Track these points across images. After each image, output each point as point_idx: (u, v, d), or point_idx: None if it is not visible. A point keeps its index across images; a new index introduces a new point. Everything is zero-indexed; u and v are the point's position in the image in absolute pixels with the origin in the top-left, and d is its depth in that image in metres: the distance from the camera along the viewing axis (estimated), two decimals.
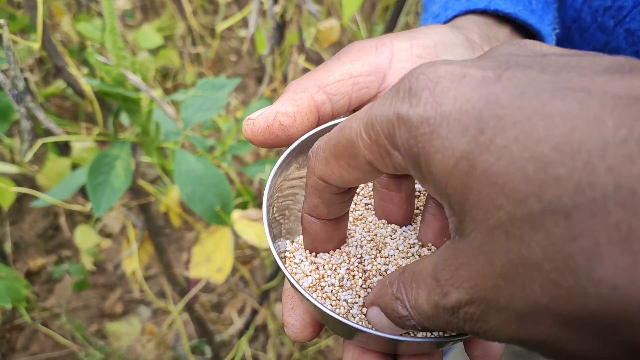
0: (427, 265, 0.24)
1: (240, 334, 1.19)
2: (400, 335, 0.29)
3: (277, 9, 0.81)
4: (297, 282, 0.30)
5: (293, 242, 0.35)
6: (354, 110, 0.35)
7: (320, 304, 0.27)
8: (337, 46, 1.70)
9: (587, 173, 0.16)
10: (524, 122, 0.18)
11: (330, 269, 0.32)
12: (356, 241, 0.34)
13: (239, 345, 1.11)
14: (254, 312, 1.17)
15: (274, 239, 0.32)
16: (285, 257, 0.34)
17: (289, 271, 0.31)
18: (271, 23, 0.84)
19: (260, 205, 0.98)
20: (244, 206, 0.99)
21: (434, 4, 0.53)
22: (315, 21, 1.01)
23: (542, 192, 0.17)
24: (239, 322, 1.25)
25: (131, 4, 1.95)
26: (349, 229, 0.35)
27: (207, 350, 1.31)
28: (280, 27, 0.87)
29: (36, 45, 0.68)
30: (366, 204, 0.36)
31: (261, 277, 1.52)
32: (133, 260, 0.92)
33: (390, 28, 0.84)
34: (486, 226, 0.19)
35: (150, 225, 0.95)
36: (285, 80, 1.03)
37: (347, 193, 0.29)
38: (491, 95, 0.19)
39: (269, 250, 1.12)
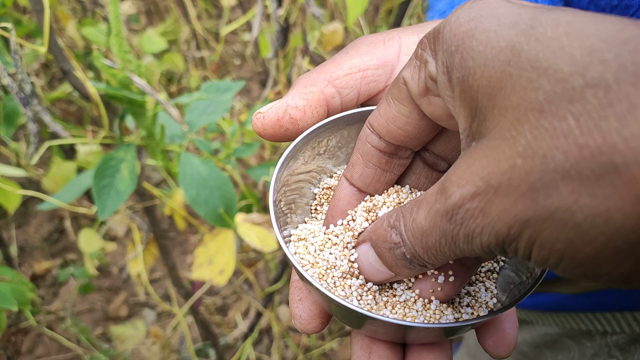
0: (431, 189, 0.25)
1: (245, 336, 1.19)
2: (408, 319, 0.29)
3: (281, 12, 0.82)
4: (303, 268, 0.30)
5: (301, 231, 0.35)
6: (363, 105, 0.36)
7: (328, 291, 0.27)
8: (341, 49, 1.71)
9: (632, 55, 0.18)
10: (576, 22, 0.20)
11: (338, 258, 0.32)
12: (360, 227, 0.34)
13: (244, 348, 1.11)
14: (259, 315, 1.18)
15: (281, 230, 0.32)
16: (293, 247, 0.33)
17: (297, 260, 0.31)
18: (275, 26, 0.85)
19: (264, 209, 0.99)
20: (248, 209, 0.99)
21: (440, 1, 0.53)
22: (319, 24, 1.01)
23: (586, 71, 0.18)
24: (243, 325, 1.25)
25: (136, 9, 1.96)
26: (350, 214, 0.35)
27: (212, 353, 1.31)
28: (284, 31, 0.88)
29: (43, 49, 0.68)
30: None
31: (265, 280, 1.52)
32: (138, 263, 0.92)
33: None
34: (518, 110, 0.20)
35: (155, 228, 0.95)
36: (289, 83, 1.04)
37: (394, 157, 0.30)
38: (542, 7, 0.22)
39: (272, 253, 1.12)
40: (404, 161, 0.31)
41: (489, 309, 0.31)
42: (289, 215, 0.35)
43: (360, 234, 0.31)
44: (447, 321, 0.29)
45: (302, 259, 0.32)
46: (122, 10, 1.98)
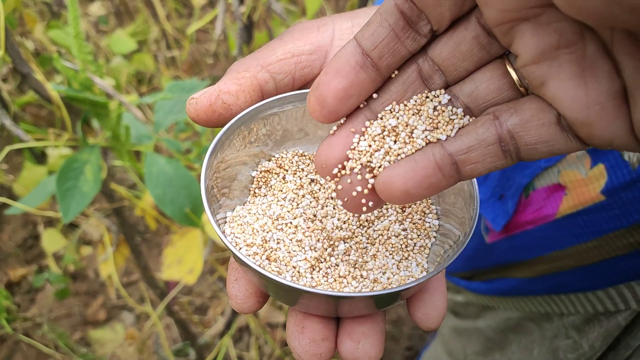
0: None
1: (223, 334, 1.19)
2: (336, 291, 0.29)
3: (243, 9, 0.82)
4: (237, 249, 0.30)
5: (237, 213, 0.35)
6: (299, 89, 0.36)
7: (260, 268, 0.28)
8: None
9: None
10: None
11: (276, 232, 0.33)
12: (303, 204, 0.35)
13: (221, 345, 1.11)
14: (236, 313, 1.18)
15: (214, 214, 0.32)
16: (228, 229, 0.34)
17: (229, 241, 0.31)
18: (238, 24, 0.85)
19: None
20: None
21: None
22: (284, 21, 1.01)
23: None
24: (220, 323, 1.25)
25: (105, 10, 1.94)
26: (296, 195, 0.35)
27: (191, 353, 1.31)
28: (248, 28, 0.88)
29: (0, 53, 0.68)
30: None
31: None
32: (109, 265, 0.92)
33: None
34: None
35: (126, 229, 0.95)
36: None
37: (411, 28, 0.27)
38: None
39: None
40: (419, 39, 0.27)
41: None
42: (223, 199, 0.35)
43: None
44: (374, 290, 0.30)
45: (237, 238, 0.33)
46: (91, 11, 1.95)
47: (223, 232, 0.32)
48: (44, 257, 1.66)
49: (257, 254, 0.32)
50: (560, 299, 0.55)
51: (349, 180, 0.29)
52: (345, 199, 0.29)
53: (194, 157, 0.93)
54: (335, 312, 0.30)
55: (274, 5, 0.79)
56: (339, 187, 0.29)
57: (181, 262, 0.75)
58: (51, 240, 1.01)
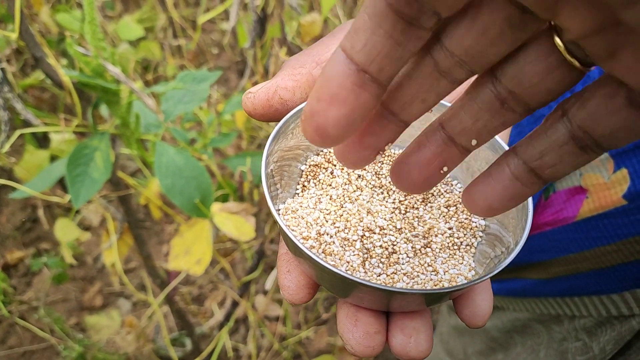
0: None
1: (221, 326, 1.20)
2: (394, 286, 0.30)
3: (258, 2, 0.82)
4: (292, 234, 0.30)
5: (290, 205, 0.36)
6: None
7: (319, 258, 0.28)
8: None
9: None
10: None
11: (329, 227, 0.33)
12: (356, 199, 0.35)
13: (219, 336, 1.11)
14: (235, 304, 1.18)
15: (274, 202, 0.33)
16: (282, 219, 0.34)
17: (289, 229, 0.32)
18: (252, 16, 0.85)
19: (241, 198, 0.99)
20: (224, 199, 0.99)
21: None
22: (297, 15, 1.01)
23: None
24: (219, 314, 1.25)
25: None
26: (350, 187, 0.36)
27: (188, 343, 1.31)
28: (262, 21, 0.88)
29: (14, 35, 0.67)
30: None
31: (242, 269, 1.52)
32: (112, 252, 0.92)
33: None
34: None
35: (130, 218, 0.95)
36: (266, 74, 1.04)
37: (413, 25, 0.21)
38: None
39: (249, 242, 1.13)
40: (423, 33, 0.22)
41: (467, 280, 0.33)
42: (275, 191, 0.35)
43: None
44: (427, 288, 0.31)
45: (292, 231, 0.33)
46: None
47: (284, 221, 0.33)
48: (42, 240, 1.66)
49: (313, 247, 0.33)
50: (574, 301, 0.56)
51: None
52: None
53: (200, 148, 0.93)
54: (387, 306, 0.30)
55: None
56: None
57: (189, 253, 0.75)
58: (64, 230, 1.00)
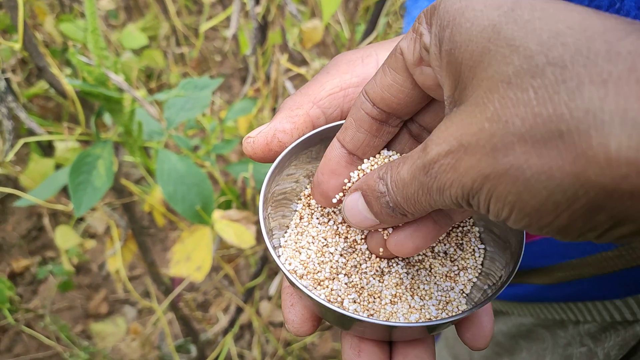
0: (417, 148, 0.27)
1: (225, 332, 1.20)
2: (392, 321, 0.31)
3: (259, 9, 0.82)
4: (295, 277, 0.32)
5: (287, 238, 0.36)
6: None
7: (319, 297, 0.29)
8: (321, 46, 1.71)
9: (588, 42, 0.21)
10: (549, 9, 0.23)
11: (327, 260, 0.34)
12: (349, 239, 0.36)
13: (224, 342, 1.12)
14: (239, 310, 1.18)
15: (271, 239, 0.34)
16: (280, 253, 0.35)
17: (286, 267, 0.33)
18: (253, 23, 0.85)
19: (244, 205, 0.99)
20: (227, 204, 0.99)
21: (416, 8, 0.54)
22: (298, 22, 1.02)
23: (549, 51, 0.21)
24: (224, 320, 1.25)
25: (115, 4, 1.94)
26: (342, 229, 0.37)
27: (193, 349, 1.31)
28: (263, 28, 0.88)
29: (17, 46, 0.68)
30: None
31: (246, 275, 1.52)
32: (117, 260, 0.92)
33: (370, 28, 0.85)
34: (491, 81, 0.23)
35: (134, 225, 0.95)
36: (267, 80, 1.04)
37: (384, 124, 0.32)
38: None
39: (252, 249, 1.13)
40: (393, 129, 0.33)
41: (470, 305, 0.34)
42: (274, 225, 0.36)
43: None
44: (427, 319, 0.32)
45: (289, 265, 0.34)
46: (100, 5, 1.96)
47: (283, 263, 0.34)
48: (48, 248, 1.66)
49: (308, 278, 0.33)
50: (578, 306, 0.56)
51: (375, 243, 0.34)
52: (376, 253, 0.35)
53: (203, 155, 0.94)
54: (388, 337, 0.32)
55: (290, 6, 0.79)
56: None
57: (190, 259, 0.75)
58: (64, 237, 1.01)
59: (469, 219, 0.37)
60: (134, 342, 1.27)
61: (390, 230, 0.32)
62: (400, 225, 0.32)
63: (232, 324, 1.18)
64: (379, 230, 0.33)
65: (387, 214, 0.30)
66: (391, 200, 0.29)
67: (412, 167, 0.27)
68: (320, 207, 0.38)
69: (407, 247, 0.31)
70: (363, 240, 0.35)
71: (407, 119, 0.33)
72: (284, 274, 0.31)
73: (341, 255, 0.35)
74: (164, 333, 1.29)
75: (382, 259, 0.35)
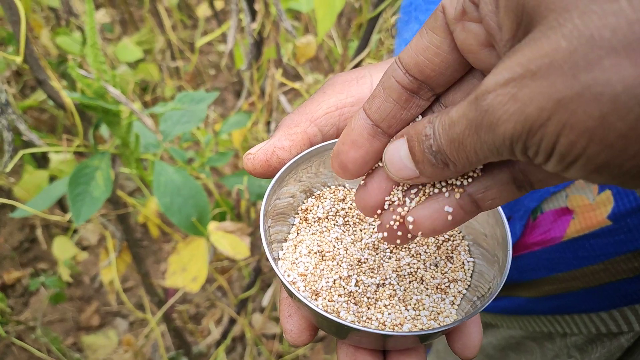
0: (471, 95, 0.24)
1: (218, 344, 1.20)
2: (388, 328, 0.33)
3: (255, 26, 0.84)
4: (293, 286, 0.33)
5: (286, 248, 0.38)
6: None
7: (316, 307, 0.30)
8: (314, 61, 1.74)
9: None
10: None
11: (323, 271, 0.36)
12: (345, 251, 0.37)
13: (216, 355, 1.12)
14: (232, 322, 1.19)
15: (271, 251, 0.35)
16: (279, 265, 0.37)
17: (287, 279, 0.34)
18: (249, 39, 0.87)
19: (238, 217, 1.00)
20: (222, 216, 1.01)
21: (407, 31, 0.56)
22: (292, 37, 1.04)
23: None
24: (216, 332, 1.25)
25: (110, 17, 1.96)
26: (338, 240, 0.38)
27: None
28: (258, 43, 0.90)
29: (18, 59, 0.69)
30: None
31: (239, 287, 1.53)
32: (111, 270, 0.93)
33: (363, 45, 0.88)
34: (566, 1, 0.20)
35: (129, 236, 0.96)
36: (262, 94, 1.06)
37: (415, 96, 0.29)
38: None
39: (246, 260, 1.14)
40: (424, 103, 0.30)
41: (460, 316, 0.35)
42: (274, 238, 0.38)
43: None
44: (420, 329, 0.33)
45: (288, 275, 0.35)
46: (96, 18, 1.97)
47: (283, 274, 0.35)
48: (40, 260, 1.66)
49: (306, 289, 0.35)
50: (564, 319, 0.57)
51: (389, 219, 0.32)
52: (385, 233, 0.33)
53: (198, 167, 0.95)
54: (383, 346, 0.33)
55: (285, 22, 0.81)
56: (379, 222, 0.33)
57: (185, 270, 0.76)
58: (62, 248, 1.01)
59: (459, 232, 0.39)
60: (126, 354, 1.27)
61: (413, 204, 0.31)
62: (424, 199, 0.31)
63: (224, 335, 1.19)
64: (400, 207, 0.32)
65: (428, 161, 0.27)
66: (434, 143, 0.26)
67: (462, 104, 0.24)
68: (317, 221, 0.39)
69: (425, 225, 0.30)
70: (359, 252, 0.37)
71: (439, 92, 0.30)
72: (284, 284, 0.32)
73: (337, 266, 0.36)
74: (156, 345, 1.29)
75: (375, 274, 0.36)
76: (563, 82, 0.19)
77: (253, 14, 0.87)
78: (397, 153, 0.29)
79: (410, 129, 0.29)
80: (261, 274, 1.09)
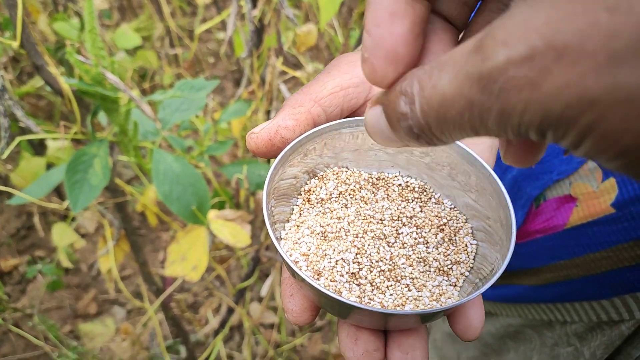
0: (461, 46, 0.19)
1: (216, 333, 1.20)
2: (390, 308, 0.32)
3: (256, 13, 0.83)
4: (295, 265, 0.33)
5: (289, 228, 0.38)
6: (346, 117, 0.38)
7: (319, 285, 0.30)
8: (315, 50, 1.73)
9: None
10: None
11: (326, 251, 0.35)
12: (350, 230, 0.37)
13: (214, 344, 1.12)
14: (230, 311, 1.19)
15: (274, 230, 0.35)
16: (282, 245, 0.36)
17: (289, 257, 0.34)
18: (249, 26, 0.86)
19: (237, 205, 1.00)
20: (221, 206, 1.00)
21: None
22: (294, 25, 1.03)
23: None
24: (214, 322, 1.25)
25: (108, 4, 1.94)
26: (341, 217, 0.38)
27: (182, 350, 1.31)
28: (259, 31, 0.89)
29: (15, 44, 0.68)
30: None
31: (237, 276, 1.53)
32: (109, 259, 0.92)
33: None
34: None
35: (127, 224, 0.95)
36: (262, 83, 1.05)
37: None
38: None
39: (244, 249, 1.13)
40: None
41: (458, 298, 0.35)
42: (277, 218, 0.37)
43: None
44: (422, 309, 0.33)
45: (291, 255, 0.35)
46: (94, 5, 1.95)
47: (286, 253, 0.35)
48: (37, 247, 1.65)
49: (308, 269, 0.35)
50: (565, 307, 0.57)
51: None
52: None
53: (197, 156, 0.94)
54: (384, 326, 0.33)
55: (286, 10, 0.80)
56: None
57: (185, 259, 0.75)
58: (61, 234, 1.01)
59: (462, 214, 0.39)
60: (124, 343, 1.27)
61: None
62: None
63: (222, 325, 1.19)
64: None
65: (411, 139, 0.22)
66: (416, 124, 0.21)
67: (459, 76, 0.18)
68: (319, 202, 0.39)
69: None
70: (362, 233, 0.37)
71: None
72: (286, 263, 0.32)
73: (340, 247, 0.36)
74: (154, 333, 1.29)
75: (378, 256, 0.36)
76: (597, 77, 0.15)
77: (254, 0, 0.85)
78: (377, 124, 0.24)
79: (384, 98, 0.23)
80: (260, 264, 1.08)
